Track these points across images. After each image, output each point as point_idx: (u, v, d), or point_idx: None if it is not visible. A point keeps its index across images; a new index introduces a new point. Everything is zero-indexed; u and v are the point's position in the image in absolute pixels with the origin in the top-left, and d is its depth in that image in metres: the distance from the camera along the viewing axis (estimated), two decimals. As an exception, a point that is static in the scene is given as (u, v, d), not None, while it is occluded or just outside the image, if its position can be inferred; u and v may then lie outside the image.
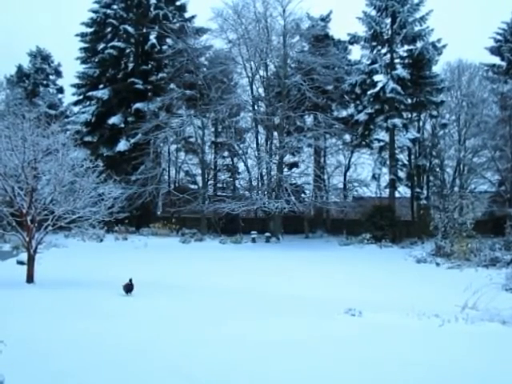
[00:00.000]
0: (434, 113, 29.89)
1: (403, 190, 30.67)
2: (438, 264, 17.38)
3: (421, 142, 29.71)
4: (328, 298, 11.28)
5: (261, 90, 30.81)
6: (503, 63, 31.79)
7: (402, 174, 29.68)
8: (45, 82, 36.33)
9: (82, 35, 32.73)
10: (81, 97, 33.18)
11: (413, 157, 30.14)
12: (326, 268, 17.84)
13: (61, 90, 36.76)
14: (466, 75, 30.21)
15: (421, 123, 30.70)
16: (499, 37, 32.26)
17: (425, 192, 30.29)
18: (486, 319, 8.05)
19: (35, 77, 35.71)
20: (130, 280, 10.26)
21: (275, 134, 29.25)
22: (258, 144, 30.30)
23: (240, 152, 30.71)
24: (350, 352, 6.14)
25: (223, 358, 5.73)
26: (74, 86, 33.18)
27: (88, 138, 30.75)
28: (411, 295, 12.28)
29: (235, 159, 31.91)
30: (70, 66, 33.31)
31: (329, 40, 30.72)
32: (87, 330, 6.86)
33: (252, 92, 30.43)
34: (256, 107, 30.80)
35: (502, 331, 7.52)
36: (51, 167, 11.90)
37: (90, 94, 31.90)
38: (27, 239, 11.72)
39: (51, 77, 36.90)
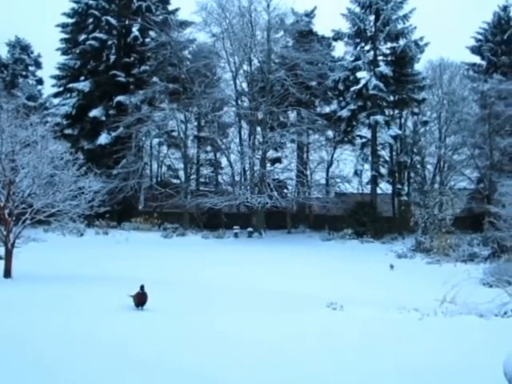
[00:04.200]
0: (416, 110, 30.25)
1: (385, 187, 31.00)
2: (392, 266, 17.21)
3: (402, 139, 30.02)
4: (309, 293, 11.34)
5: (244, 85, 30.71)
6: (483, 62, 32.34)
7: (383, 171, 29.97)
8: (24, 73, 35.48)
9: (63, 26, 32.09)
10: (61, 88, 32.56)
11: (394, 153, 30.44)
12: (308, 263, 17.93)
13: (40, 82, 35.96)
14: (448, 73, 30.60)
15: (402, 120, 31.03)
16: (480, 36, 32.80)
17: (406, 188, 30.64)
18: (464, 313, 8.19)
19: (14, 67, 34.87)
20: (142, 287, 7.83)
21: (258, 129, 29.20)
22: (241, 139, 30.22)
23: (223, 147, 30.60)
24: (331, 344, 6.18)
25: (214, 353, 5.71)
26: (54, 77, 32.56)
27: (68, 131, 30.19)
28: (392, 290, 12.44)
29: (218, 154, 31.77)
30: (50, 57, 32.67)
31: (313, 36, 30.72)
32: (64, 325, 6.76)
33: (235, 87, 30.29)
34: (239, 102, 30.69)
35: (480, 324, 7.65)
36: (30, 160, 11.68)
37: (70, 85, 31.34)
38: (5, 233, 11.49)
39: (30, 68, 36.05)
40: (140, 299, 7.80)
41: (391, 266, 17.04)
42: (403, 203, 30.17)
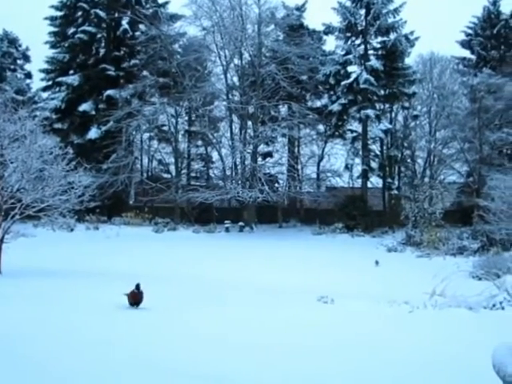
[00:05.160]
0: (406, 104, 30.38)
1: (375, 181, 31.16)
2: (377, 262, 16.96)
3: (393, 133, 30.16)
4: (300, 286, 11.39)
5: (235, 79, 30.60)
6: (473, 56, 32.55)
7: (374, 165, 30.08)
8: (12, 67, 35.07)
9: (52, 19, 31.70)
10: (50, 82, 32.21)
11: (385, 147, 30.58)
12: (299, 257, 17.99)
13: (29, 75, 35.57)
14: (438, 68, 30.73)
15: (393, 114, 31.15)
16: (470, 31, 32.99)
17: (396, 182, 30.82)
18: (454, 305, 8.27)
19: (2, 61, 34.42)
20: (138, 286, 7.44)
21: (249, 123, 29.15)
22: (232, 133, 30.15)
23: (214, 141, 30.52)
24: (322, 338, 6.21)
25: (209, 350, 5.71)
26: (42, 71, 32.18)
27: (58, 125, 29.91)
28: (382, 283, 12.54)
29: (209, 148, 31.69)
30: (39, 51, 32.26)
31: (304, 30, 30.65)
32: (55, 322, 6.72)
33: (226, 81, 30.18)
34: (230, 96, 30.58)
35: (469, 317, 7.74)
36: (19, 154, 11.55)
37: (59, 79, 31.02)
38: (-7, 228, 11.38)
39: (19, 61, 35.65)
40: (135, 298, 7.45)
41: (376, 262, 16.85)
42: (393, 197, 30.35)
